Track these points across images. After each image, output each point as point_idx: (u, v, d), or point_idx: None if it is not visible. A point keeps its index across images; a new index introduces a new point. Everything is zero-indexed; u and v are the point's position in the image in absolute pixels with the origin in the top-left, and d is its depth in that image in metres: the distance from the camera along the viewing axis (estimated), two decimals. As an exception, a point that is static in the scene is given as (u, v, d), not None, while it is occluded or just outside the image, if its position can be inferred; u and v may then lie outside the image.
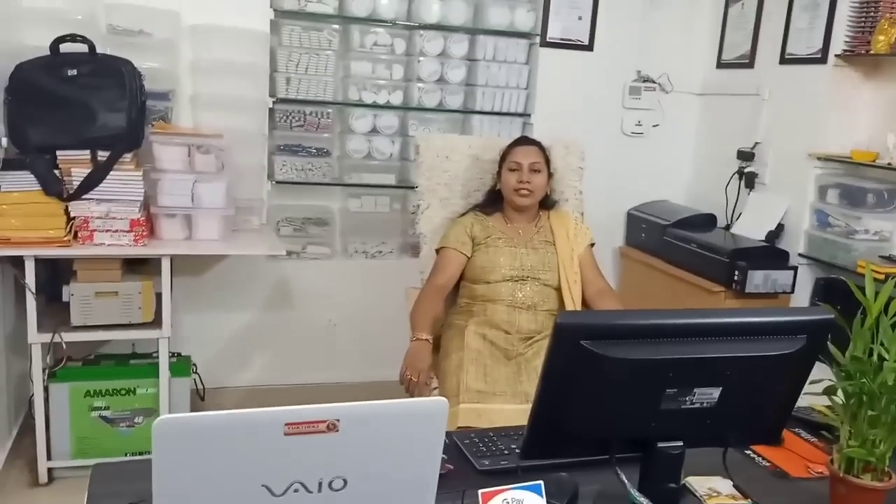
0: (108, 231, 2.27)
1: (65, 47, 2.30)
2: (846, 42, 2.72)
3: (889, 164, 2.53)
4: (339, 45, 2.96)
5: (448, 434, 1.32)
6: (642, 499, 1.06)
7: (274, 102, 2.90)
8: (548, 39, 3.19)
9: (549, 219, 2.30)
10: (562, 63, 3.22)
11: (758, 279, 2.69)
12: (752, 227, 2.99)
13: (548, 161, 2.27)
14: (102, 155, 2.27)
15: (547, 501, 1.03)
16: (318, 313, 3.13)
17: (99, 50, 2.35)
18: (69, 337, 2.29)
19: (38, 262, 2.24)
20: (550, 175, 2.30)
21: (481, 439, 1.31)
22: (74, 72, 2.28)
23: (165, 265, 2.34)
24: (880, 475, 1.06)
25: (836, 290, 2.57)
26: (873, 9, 2.63)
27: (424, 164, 2.42)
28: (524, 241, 2.23)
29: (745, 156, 3.14)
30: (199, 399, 2.74)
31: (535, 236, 2.25)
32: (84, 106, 2.27)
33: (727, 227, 3.17)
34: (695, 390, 1.04)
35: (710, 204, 3.29)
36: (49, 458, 2.38)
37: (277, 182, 2.97)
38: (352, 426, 0.85)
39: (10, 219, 2.18)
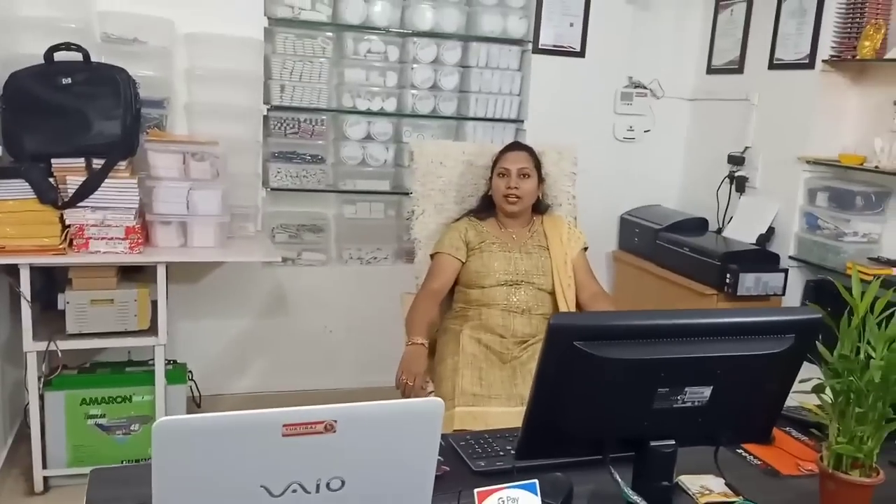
0: (103, 239, 2.28)
1: (59, 56, 2.31)
2: (833, 47, 2.76)
3: (876, 167, 2.56)
4: (333, 53, 2.98)
5: (444, 436, 1.34)
6: (636, 497, 1.08)
7: (268, 110, 2.91)
8: (540, 46, 3.22)
9: (543, 223, 2.32)
10: (554, 69, 3.25)
11: (749, 282, 2.72)
12: (743, 231, 3.02)
13: (538, 166, 2.29)
14: (97, 163, 2.28)
15: (542, 501, 1.05)
16: (313, 320, 3.14)
17: (93, 58, 2.36)
18: (65, 345, 2.29)
19: (34, 270, 2.24)
20: (542, 180, 2.32)
21: (477, 441, 1.32)
22: (69, 80, 2.29)
23: (161, 272, 2.35)
24: (868, 471, 1.08)
25: (826, 291, 2.60)
26: (859, 15, 2.67)
27: (419, 170, 2.44)
28: (518, 245, 2.25)
29: (736, 160, 3.18)
30: (196, 406, 2.74)
31: (529, 241, 2.27)
32: (79, 114, 2.28)
33: (719, 231, 3.20)
34: (686, 389, 1.06)
35: (701, 208, 3.32)
36: (45, 466, 2.38)
37: (272, 189, 2.99)
38: (349, 427, 0.86)
39: (4, 227, 2.18)
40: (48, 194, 2.21)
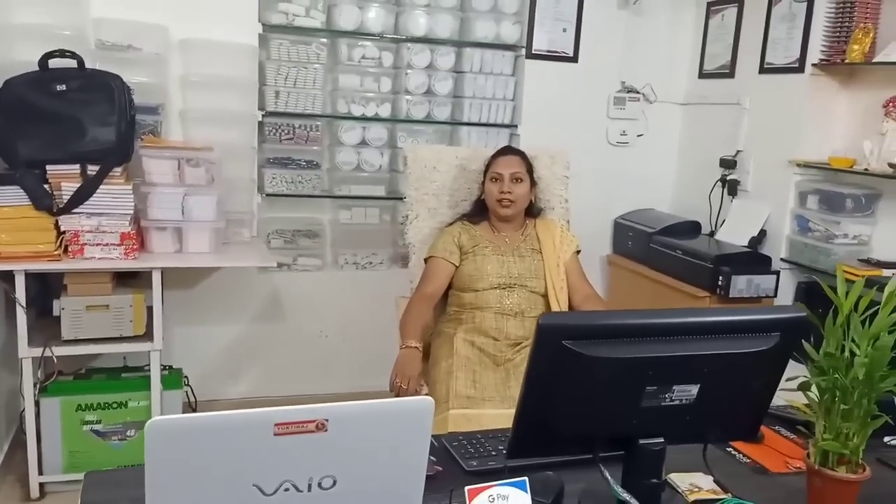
0: (98, 245, 2.28)
1: (54, 62, 2.31)
2: (822, 51, 2.79)
3: (866, 169, 2.59)
4: (328, 59, 3.00)
5: (437, 437, 1.35)
6: (625, 495, 1.09)
7: (263, 116, 2.93)
8: (533, 51, 3.25)
9: (536, 227, 2.34)
10: (547, 74, 3.27)
11: (741, 284, 2.74)
12: (735, 234, 3.05)
13: (530, 170, 2.31)
14: (92, 169, 2.28)
15: (533, 499, 1.06)
16: (309, 325, 3.15)
17: (88, 65, 2.37)
18: (60, 351, 2.30)
19: (29, 276, 2.24)
20: (534, 184, 2.33)
21: (469, 441, 1.33)
22: (63, 87, 2.29)
23: (156, 278, 2.35)
24: (854, 467, 1.10)
25: (817, 293, 2.61)
26: (847, 19, 2.70)
27: (413, 174, 2.46)
28: (511, 249, 2.27)
29: (728, 164, 3.20)
30: (191, 411, 2.74)
31: (522, 244, 2.29)
32: (73, 120, 2.28)
33: (711, 234, 3.22)
34: (674, 387, 1.07)
35: (694, 211, 3.34)
36: (41, 472, 2.38)
37: (268, 195, 3.00)
38: (340, 426, 0.87)
39: (0, 233, 2.19)
40: (43, 201, 2.22)
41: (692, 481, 1.21)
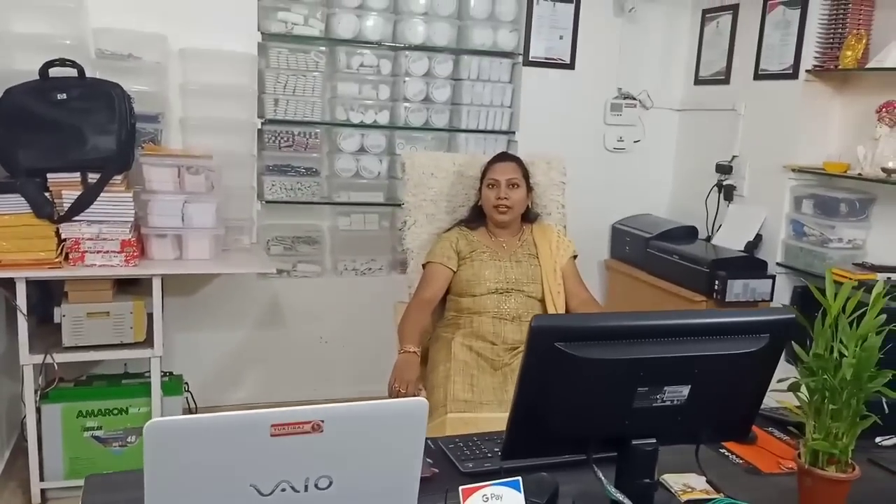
0: (99, 252, 2.30)
1: (54, 72, 2.33)
2: (816, 58, 2.82)
3: (860, 174, 2.61)
4: (326, 67, 3.03)
5: (433, 439, 1.36)
6: (619, 495, 1.10)
7: (262, 123, 2.95)
8: (530, 58, 3.27)
9: (533, 232, 2.36)
10: (544, 81, 3.30)
11: (737, 288, 2.76)
12: (731, 238, 3.06)
13: (527, 176, 2.33)
14: (93, 177, 2.30)
15: (528, 500, 1.07)
16: (308, 331, 3.16)
17: (88, 74, 2.39)
18: (61, 358, 2.31)
19: (30, 283, 2.26)
20: (531, 189, 2.36)
21: (465, 443, 1.35)
22: (64, 96, 2.31)
23: (156, 285, 2.37)
24: (844, 466, 1.11)
25: (812, 297, 2.63)
26: (840, 26, 2.73)
27: (410, 181, 2.48)
28: (508, 254, 2.29)
29: (724, 169, 3.23)
30: (191, 417, 2.75)
31: (519, 249, 2.31)
32: (74, 129, 2.30)
33: (708, 239, 3.24)
34: (665, 388, 1.09)
35: (691, 216, 3.36)
36: (42, 479, 2.39)
37: (267, 202, 3.02)
38: (336, 426, 0.89)
39: (0, 241, 2.20)
40: (44, 209, 2.24)
41: (685, 482, 1.22)
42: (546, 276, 2.26)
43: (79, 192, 2.28)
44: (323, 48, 3.01)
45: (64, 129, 2.30)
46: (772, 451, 1.39)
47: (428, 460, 1.26)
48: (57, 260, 2.25)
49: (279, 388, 3.12)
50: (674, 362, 1.08)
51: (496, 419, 1.90)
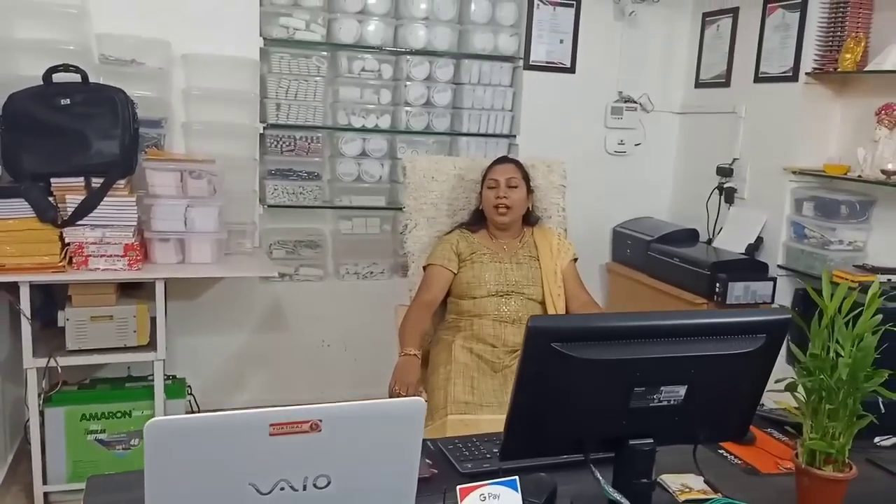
0: (102, 256, 2.31)
1: (58, 77, 2.35)
2: (815, 60, 2.83)
3: (860, 176, 2.61)
4: (328, 72, 3.04)
5: (433, 440, 1.37)
6: (617, 495, 1.11)
7: (265, 128, 2.97)
8: (531, 62, 3.29)
9: (533, 235, 2.37)
10: (545, 85, 3.31)
11: (738, 291, 2.76)
12: (732, 241, 3.07)
13: (526, 177, 2.34)
14: (96, 182, 2.31)
15: (526, 500, 1.08)
16: (311, 334, 3.17)
17: (92, 79, 2.40)
18: (64, 361, 2.32)
19: (34, 287, 2.27)
20: (531, 191, 2.36)
21: (464, 444, 1.36)
22: (68, 101, 2.33)
23: (159, 289, 2.38)
24: (841, 466, 1.12)
25: (813, 299, 2.63)
26: (840, 28, 2.73)
27: (411, 184, 2.49)
28: (509, 256, 2.29)
29: (724, 172, 3.23)
30: (194, 420, 2.76)
31: (520, 252, 2.31)
32: (77, 134, 2.32)
33: (709, 242, 3.24)
34: (662, 389, 1.09)
35: (692, 219, 3.37)
36: (45, 482, 2.40)
37: (269, 206, 3.04)
38: (334, 426, 0.90)
39: (4, 246, 2.22)
40: (48, 213, 2.25)
41: (683, 482, 1.23)
42: (546, 278, 2.27)
43: (82, 197, 2.29)
44: (324, 53, 3.03)
45: (67, 134, 2.31)
46: (770, 451, 1.40)
47: (427, 461, 1.27)
48: (60, 264, 2.27)
49: (282, 392, 3.13)
50: (670, 362, 1.08)
51: (496, 421, 1.90)
